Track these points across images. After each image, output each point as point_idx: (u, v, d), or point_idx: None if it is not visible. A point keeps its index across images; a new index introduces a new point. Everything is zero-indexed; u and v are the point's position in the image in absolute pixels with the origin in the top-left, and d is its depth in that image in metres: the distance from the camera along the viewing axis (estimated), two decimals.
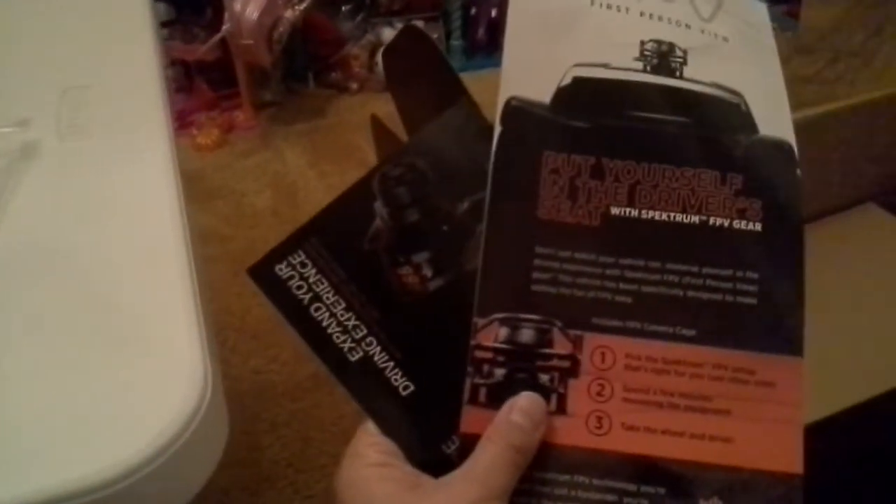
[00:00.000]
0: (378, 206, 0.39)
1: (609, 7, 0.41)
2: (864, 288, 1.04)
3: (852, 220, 1.18)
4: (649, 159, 0.38)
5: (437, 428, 0.38)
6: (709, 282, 0.37)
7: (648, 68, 0.39)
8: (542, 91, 0.39)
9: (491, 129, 0.39)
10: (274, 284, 0.39)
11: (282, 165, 1.78)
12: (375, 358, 0.38)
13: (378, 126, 1.89)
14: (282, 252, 0.39)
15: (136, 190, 0.50)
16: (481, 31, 2.15)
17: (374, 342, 0.38)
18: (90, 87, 0.61)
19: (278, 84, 1.98)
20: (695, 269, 0.37)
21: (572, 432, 0.36)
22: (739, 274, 0.37)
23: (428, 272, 0.38)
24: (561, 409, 0.36)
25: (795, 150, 0.39)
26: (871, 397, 0.79)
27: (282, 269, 0.39)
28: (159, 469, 0.32)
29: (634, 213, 0.37)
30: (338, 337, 0.38)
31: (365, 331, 0.38)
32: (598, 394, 0.36)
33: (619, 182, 0.38)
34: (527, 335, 0.36)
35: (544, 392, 0.36)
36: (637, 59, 0.39)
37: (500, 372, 0.36)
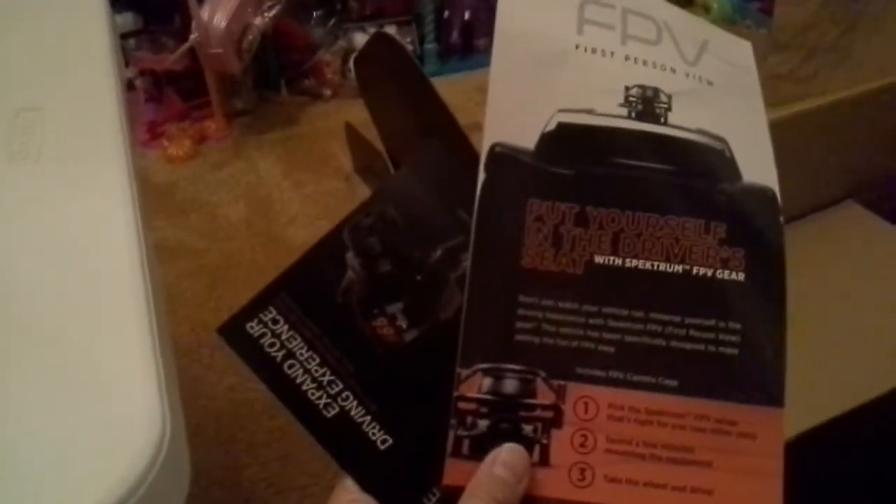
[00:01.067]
0: (350, 256, 0.37)
1: (594, 51, 0.40)
2: (844, 287, 1.03)
3: (832, 218, 1.17)
4: (634, 207, 0.37)
5: (417, 481, 0.37)
6: (692, 332, 0.36)
7: (633, 114, 0.39)
8: (526, 137, 0.38)
9: (462, 172, 0.38)
10: (245, 343, 0.37)
11: (255, 176, 1.75)
12: (352, 413, 0.37)
13: (352, 133, 1.86)
14: (252, 310, 0.38)
15: (90, 218, 0.47)
16: (455, 35, 2.13)
17: (351, 396, 0.37)
18: (43, 109, 0.58)
19: (250, 92, 1.95)
20: (677, 319, 0.36)
21: (555, 484, 0.35)
22: (722, 324, 0.36)
23: (403, 323, 0.37)
24: (544, 460, 0.35)
25: (778, 196, 0.39)
26: (856, 406, 0.77)
27: (253, 328, 0.37)
28: None
29: (618, 261, 0.36)
30: (313, 393, 0.37)
31: (340, 385, 0.37)
32: (581, 445, 0.35)
33: (603, 230, 0.37)
34: (510, 385, 0.35)
35: (528, 443, 0.35)
36: (622, 105, 0.39)
37: (483, 423, 0.35)
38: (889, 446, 0.84)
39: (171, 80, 1.91)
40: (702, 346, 0.36)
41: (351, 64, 1.95)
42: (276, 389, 0.37)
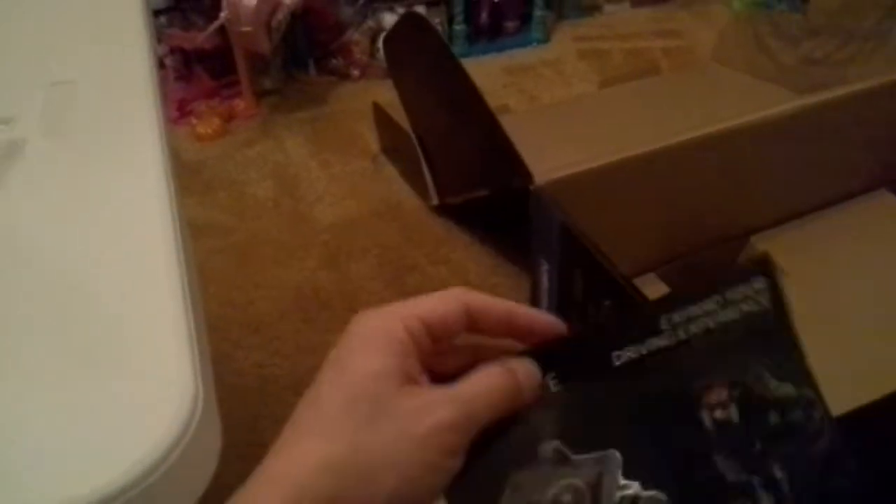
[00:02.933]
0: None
1: None
2: (875, 275, 1.01)
3: (864, 206, 1.16)
4: None
5: None
6: None
7: None
8: None
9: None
10: None
11: (283, 155, 1.75)
12: None
13: (380, 113, 1.87)
14: None
15: (124, 191, 0.48)
16: (484, 16, 2.12)
17: None
18: (77, 83, 0.59)
19: (278, 71, 1.96)
20: None
21: None
22: None
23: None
24: None
25: None
26: (888, 394, 0.76)
27: None
28: (140, 496, 0.30)
29: None
30: None
31: None
32: None
33: None
34: None
35: None
36: None
37: None
38: None
39: (201, 59, 1.92)
40: None
41: (380, 44, 1.95)
42: None
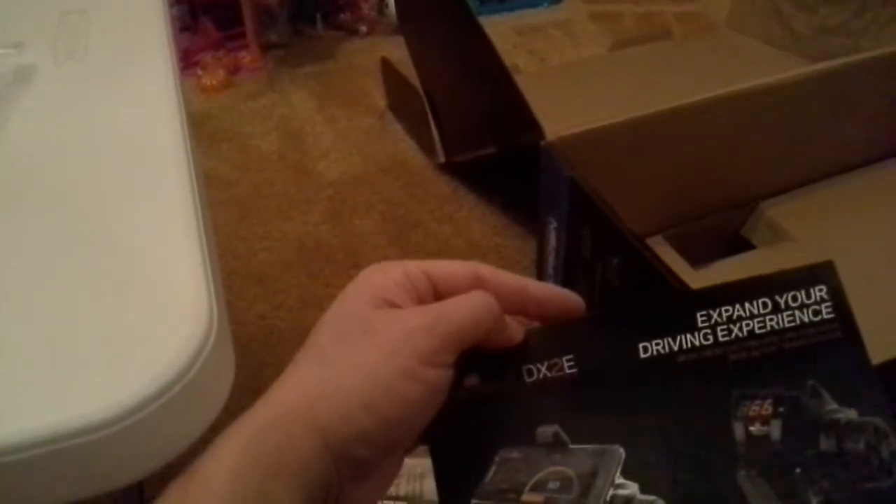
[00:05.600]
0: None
1: None
2: (884, 243, 1.01)
3: (874, 174, 1.15)
4: None
5: None
6: None
7: None
8: None
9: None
10: None
11: (288, 109, 1.74)
12: None
13: (389, 69, 1.84)
14: None
15: (136, 116, 0.47)
16: None
17: None
18: (88, 12, 0.58)
19: (285, 25, 1.93)
20: None
21: None
22: None
23: None
24: None
25: None
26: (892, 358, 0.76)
27: None
28: (160, 410, 0.30)
29: None
30: None
31: None
32: None
33: None
34: None
35: None
36: None
37: None
38: None
39: (207, 9, 1.90)
40: None
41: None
42: None
